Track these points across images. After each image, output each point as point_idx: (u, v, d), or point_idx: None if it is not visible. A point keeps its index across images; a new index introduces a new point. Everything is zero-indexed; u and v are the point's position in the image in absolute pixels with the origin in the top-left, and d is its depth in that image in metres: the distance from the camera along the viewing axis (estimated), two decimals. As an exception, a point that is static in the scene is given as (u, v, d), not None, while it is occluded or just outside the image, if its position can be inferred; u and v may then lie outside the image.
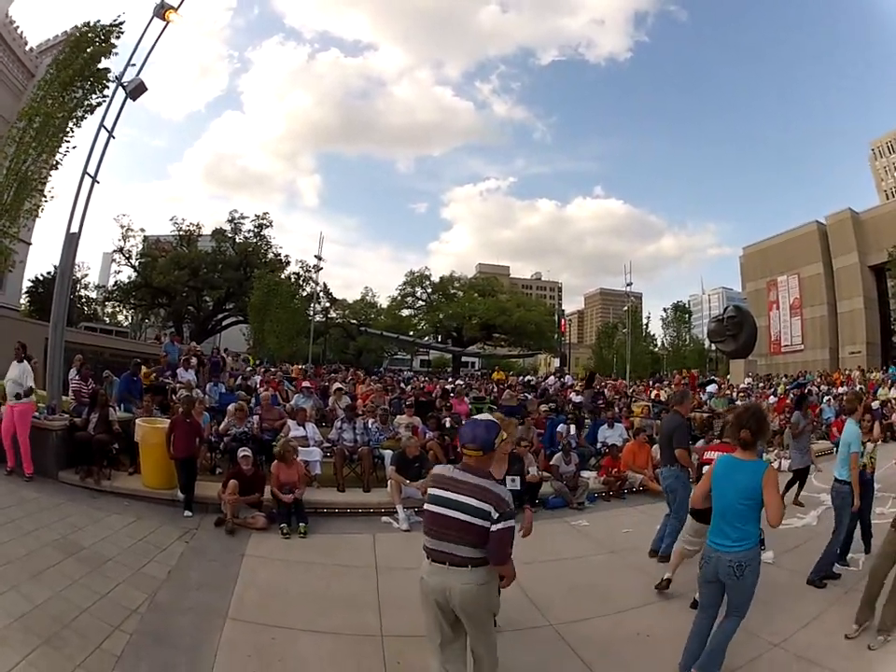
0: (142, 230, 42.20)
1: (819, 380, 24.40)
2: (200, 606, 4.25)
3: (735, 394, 19.41)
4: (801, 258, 41.26)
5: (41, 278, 37.78)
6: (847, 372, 26.44)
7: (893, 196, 50.11)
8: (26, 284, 37.39)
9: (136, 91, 8.72)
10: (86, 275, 44.58)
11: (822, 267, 40.22)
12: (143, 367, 11.24)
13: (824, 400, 16.63)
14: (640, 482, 8.83)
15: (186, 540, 5.72)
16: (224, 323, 43.80)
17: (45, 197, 16.93)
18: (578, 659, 3.80)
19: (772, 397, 18.53)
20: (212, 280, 41.37)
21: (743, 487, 3.41)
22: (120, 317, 47.10)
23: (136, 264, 41.65)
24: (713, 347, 40.81)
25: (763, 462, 3.64)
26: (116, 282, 42.97)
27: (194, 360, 13.54)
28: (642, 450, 9.11)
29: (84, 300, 44.52)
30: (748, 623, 4.04)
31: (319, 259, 37.04)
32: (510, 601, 3.93)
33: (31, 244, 33.80)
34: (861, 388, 18.50)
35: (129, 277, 42.44)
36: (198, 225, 43.55)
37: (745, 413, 3.71)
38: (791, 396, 16.33)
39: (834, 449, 12.16)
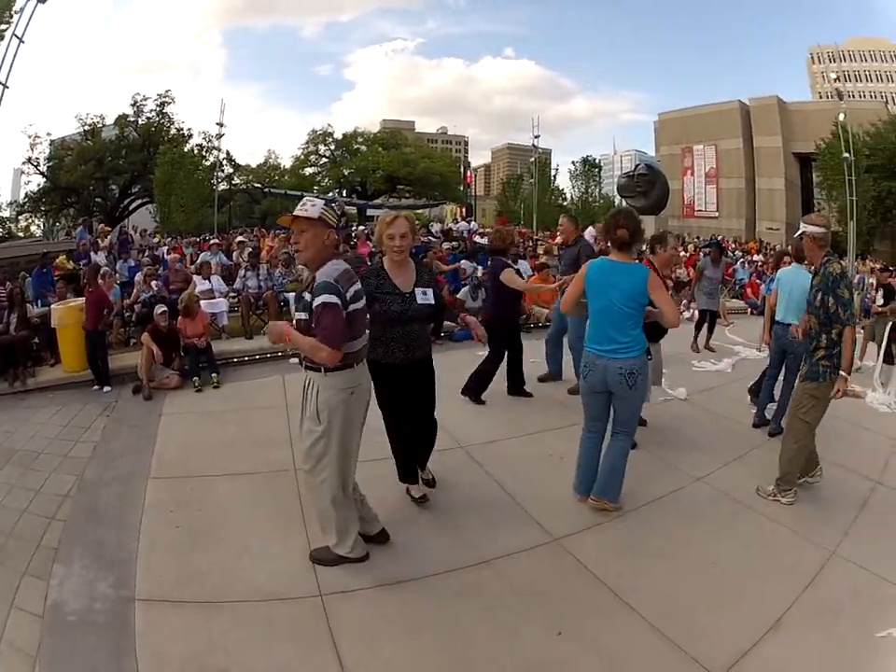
0: (48, 134, 37.83)
1: (733, 245, 25.18)
2: (123, 473, 4.26)
3: (644, 245, 20.02)
4: (720, 131, 41.15)
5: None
6: (764, 243, 27.48)
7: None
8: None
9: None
10: (-3, 197, 40.11)
11: (742, 143, 40.39)
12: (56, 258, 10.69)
13: (738, 262, 17.19)
14: (546, 316, 8.64)
15: (107, 414, 5.65)
16: (131, 207, 41.24)
17: None
18: (490, 479, 3.97)
19: (683, 252, 18.48)
20: (117, 167, 38.39)
21: (628, 290, 3.25)
22: (33, 228, 42.96)
23: (45, 170, 37.80)
24: (624, 204, 40.45)
25: (642, 266, 3.45)
26: (26, 193, 38.93)
27: (105, 241, 13.03)
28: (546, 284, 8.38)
29: (-2, 221, 40.73)
30: (665, 454, 4.08)
31: (221, 125, 34.88)
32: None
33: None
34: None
35: (38, 185, 38.52)
36: (101, 116, 39.23)
37: (619, 213, 3.47)
38: (703, 253, 15.05)
39: (749, 309, 12.67)
